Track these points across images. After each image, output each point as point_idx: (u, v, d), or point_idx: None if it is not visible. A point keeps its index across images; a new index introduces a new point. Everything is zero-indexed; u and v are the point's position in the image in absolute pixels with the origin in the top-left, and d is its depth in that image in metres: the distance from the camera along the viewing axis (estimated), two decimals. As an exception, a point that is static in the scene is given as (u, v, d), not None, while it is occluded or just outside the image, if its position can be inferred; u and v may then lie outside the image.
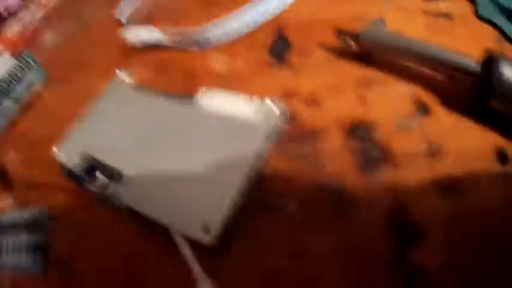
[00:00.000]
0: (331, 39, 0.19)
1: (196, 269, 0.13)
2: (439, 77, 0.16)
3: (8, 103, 0.24)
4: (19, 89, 0.24)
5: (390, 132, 0.16)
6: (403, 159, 0.15)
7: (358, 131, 0.16)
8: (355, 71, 0.18)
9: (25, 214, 0.19)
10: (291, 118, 0.17)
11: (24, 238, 0.19)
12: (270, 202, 0.14)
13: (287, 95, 0.18)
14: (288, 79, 0.18)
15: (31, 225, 0.19)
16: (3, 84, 0.23)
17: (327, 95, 0.17)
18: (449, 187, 0.14)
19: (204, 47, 0.21)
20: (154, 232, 0.15)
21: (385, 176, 0.14)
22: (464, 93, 0.15)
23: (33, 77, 0.24)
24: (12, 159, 0.22)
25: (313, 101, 0.17)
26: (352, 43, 0.19)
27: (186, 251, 0.14)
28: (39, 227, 0.19)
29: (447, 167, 0.14)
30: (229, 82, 0.19)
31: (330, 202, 0.14)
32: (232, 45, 0.21)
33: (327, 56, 0.19)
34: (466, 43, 0.17)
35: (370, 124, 0.16)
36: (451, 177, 0.14)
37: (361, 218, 0.14)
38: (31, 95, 0.24)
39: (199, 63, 0.20)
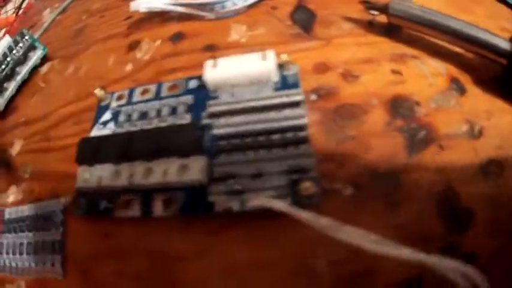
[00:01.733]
0: (356, 11, 0.16)
1: (323, 221, 0.10)
2: (472, 55, 0.15)
3: (7, 85, 0.18)
4: (19, 70, 0.19)
5: (431, 112, 0.14)
6: (446, 140, 0.13)
7: (401, 109, 0.14)
8: (385, 44, 0.15)
9: (36, 208, 0.15)
10: (331, 94, 0.14)
11: (37, 236, 0.15)
12: (324, 187, 0.12)
13: (321, 69, 0.15)
14: (318, 51, 0.15)
15: (44, 222, 0.15)
16: (2, 65, 0.18)
17: (362, 70, 0.15)
18: (492, 169, 0.12)
19: (220, 14, 0.17)
20: (192, 226, 0.12)
21: (432, 158, 0.13)
22: (498, 72, 0.14)
23: (34, 56, 0.19)
24: (17, 148, 0.17)
25: (350, 75, 0.14)
26: (377, 15, 0.17)
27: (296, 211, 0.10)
28: (54, 223, 0.15)
29: (489, 148, 0.13)
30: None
31: (383, 186, 0.12)
32: (251, 14, 0.17)
33: (354, 28, 0.16)
34: (483, 23, 0.17)
35: (410, 102, 0.14)
36: (494, 159, 0.13)
37: (413, 203, 0.12)
38: (32, 75, 0.19)
39: (217, 34, 0.16)
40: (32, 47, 0.19)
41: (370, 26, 0.16)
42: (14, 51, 0.18)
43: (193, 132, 0.13)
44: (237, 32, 0.16)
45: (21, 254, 0.15)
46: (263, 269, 0.12)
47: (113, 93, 0.16)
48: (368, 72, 0.15)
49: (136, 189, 0.13)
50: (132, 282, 0.13)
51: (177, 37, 0.17)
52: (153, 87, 0.15)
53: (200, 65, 0.16)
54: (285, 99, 0.13)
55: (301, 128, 0.13)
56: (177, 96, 0.15)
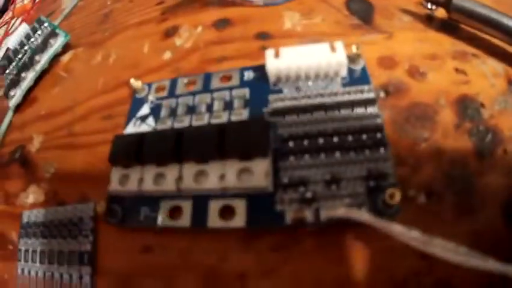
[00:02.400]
0: (411, 3, 0.15)
1: (414, 234, 0.09)
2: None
3: (25, 74, 0.16)
4: (38, 58, 0.16)
5: (495, 114, 0.12)
6: (510, 143, 0.12)
7: (469, 110, 0.12)
8: (446, 41, 0.14)
9: (61, 213, 0.12)
10: (401, 91, 0.12)
11: (63, 244, 0.12)
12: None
13: (387, 64, 0.13)
14: (381, 45, 0.13)
15: (71, 228, 0.12)
16: (19, 54, 0.15)
17: (428, 66, 0.13)
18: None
19: (269, 0, 0.15)
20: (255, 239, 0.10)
21: (499, 161, 0.11)
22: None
23: (54, 43, 0.16)
24: (37, 144, 0.14)
25: (417, 72, 0.13)
26: (435, 9, 0.15)
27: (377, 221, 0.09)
28: (82, 230, 0.12)
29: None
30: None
31: (456, 192, 0.11)
32: (303, 1, 0.15)
33: (414, 22, 0.14)
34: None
35: (476, 103, 0.12)
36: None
37: (485, 209, 0.11)
38: (53, 65, 0.16)
39: (269, 21, 0.14)
40: (52, 34, 0.16)
41: (429, 21, 0.15)
42: (32, 39, 0.16)
43: (257, 130, 0.11)
44: (291, 20, 0.14)
45: (42, 262, 0.12)
46: (341, 285, 0.10)
47: (150, 84, 0.13)
48: (433, 69, 0.13)
49: (186, 195, 0.11)
50: None
51: (223, 23, 0.14)
52: (199, 78, 0.13)
53: (252, 54, 0.14)
54: (357, 96, 0.11)
55: (377, 128, 0.11)
56: (231, 88, 0.12)
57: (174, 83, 0.13)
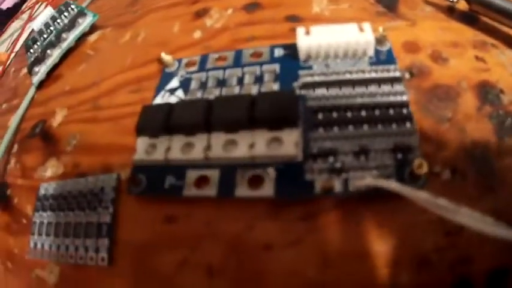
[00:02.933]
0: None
1: (441, 202, 0.08)
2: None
3: (51, 52, 0.16)
4: (66, 36, 0.16)
5: None
6: None
7: (489, 95, 0.12)
8: (467, 31, 0.14)
9: (81, 184, 0.12)
10: (424, 73, 0.13)
11: (80, 216, 0.12)
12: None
13: (411, 48, 0.13)
14: (405, 31, 0.14)
15: (91, 200, 0.12)
16: (44, 34, 0.15)
17: (450, 53, 0.13)
18: None
19: None
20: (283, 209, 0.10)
21: None
22: None
23: (83, 22, 0.16)
24: (59, 119, 0.14)
25: (439, 57, 0.13)
26: (456, 1, 0.16)
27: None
28: (102, 201, 0.11)
29: None
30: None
31: (478, 170, 0.11)
32: None
33: (436, 12, 0.15)
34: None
35: (496, 89, 0.12)
36: None
37: (505, 187, 0.11)
38: (79, 44, 0.16)
39: (298, 5, 0.15)
40: (80, 14, 0.17)
41: (450, 12, 0.15)
42: (59, 21, 0.16)
43: (288, 101, 0.11)
44: (318, 5, 0.14)
45: (57, 235, 0.12)
46: (362, 259, 0.10)
47: (180, 59, 0.14)
48: (455, 56, 0.14)
49: (214, 164, 0.11)
50: (200, 275, 0.10)
51: (253, 7, 0.15)
52: (230, 54, 0.13)
53: (281, 35, 0.14)
54: (383, 74, 0.12)
55: (402, 104, 0.11)
56: (261, 64, 0.13)
57: (204, 58, 0.13)
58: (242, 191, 0.10)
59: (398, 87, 0.11)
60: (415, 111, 0.12)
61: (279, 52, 0.12)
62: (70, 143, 0.13)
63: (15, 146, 0.14)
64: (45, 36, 0.16)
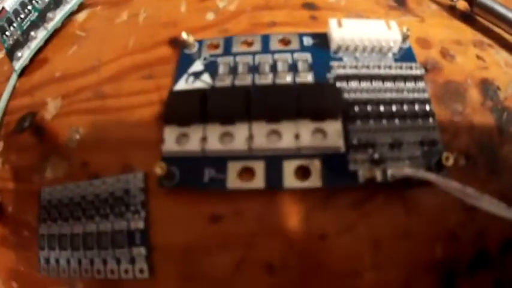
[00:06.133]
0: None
1: (468, 190, 0.11)
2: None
3: (35, 33, 0.15)
4: (52, 15, 0.15)
5: (508, 96, 0.16)
6: None
7: (489, 91, 0.16)
8: (468, 30, 0.17)
9: (98, 187, 0.12)
10: (436, 69, 0.15)
11: (104, 225, 0.12)
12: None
13: (424, 44, 0.16)
14: (417, 27, 0.16)
15: (114, 205, 0.12)
16: (21, 14, 0.14)
17: (456, 51, 0.16)
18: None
19: None
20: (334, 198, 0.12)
21: None
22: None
23: (69, 1, 0.16)
24: (53, 110, 0.14)
25: (448, 54, 0.16)
26: (456, 1, 0.19)
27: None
28: (130, 205, 0.12)
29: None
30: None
31: (486, 156, 0.14)
32: None
33: (440, 10, 0.18)
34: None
35: (494, 86, 0.16)
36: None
37: (506, 173, 0.14)
38: (65, 24, 0.15)
39: None
40: None
41: (452, 11, 0.18)
42: None
43: (331, 93, 0.13)
44: (333, -6, 0.17)
45: (75, 248, 0.12)
46: (406, 238, 0.12)
47: (201, 40, 0.14)
48: (460, 53, 0.17)
49: (258, 155, 0.12)
50: (260, 272, 0.11)
51: None
52: (256, 38, 0.14)
53: (302, 23, 0.15)
54: (407, 71, 0.14)
55: (426, 101, 0.14)
56: (292, 52, 0.14)
57: (228, 41, 0.14)
58: (291, 182, 0.12)
59: (420, 84, 0.14)
60: (434, 104, 0.15)
61: (307, 41, 0.14)
62: (72, 137, 0.13)
63: (1, 144, 0.14)
64: (22, 16, 0.15)
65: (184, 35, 0.13)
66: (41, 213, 0.12)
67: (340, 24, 0.13)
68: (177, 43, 0.14)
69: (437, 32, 0.16)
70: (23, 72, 0.15)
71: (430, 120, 0.13)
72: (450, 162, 0.12)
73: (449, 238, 0.12)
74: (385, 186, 0.12)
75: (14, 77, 0.15)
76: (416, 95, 0.13)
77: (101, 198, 0.12)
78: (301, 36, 0.14)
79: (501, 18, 0.17)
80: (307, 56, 0.13)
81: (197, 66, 0.13)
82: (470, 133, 0.14)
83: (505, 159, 0.14)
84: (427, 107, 0.13)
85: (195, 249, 0.11)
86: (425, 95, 0.13)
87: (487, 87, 0.16)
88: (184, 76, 0.13)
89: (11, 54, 0.15)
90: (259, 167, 0.12)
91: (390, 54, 0.14)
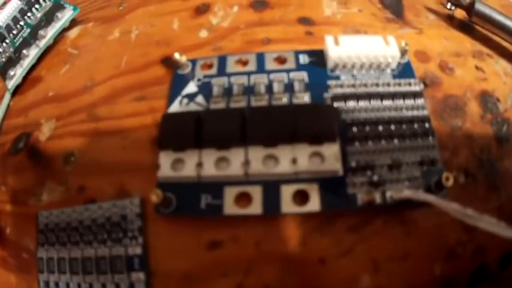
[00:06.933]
0: (432, 2, 0.19)
1: (468, 212, 0.11)
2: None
3: (28, 51, 0.15)
4: (43, 33, 0.15)
5: (508, 107, 0.16)
6: None
7: (489, 104, 0.16)
8: (466, 40, 0.17)
9: (95, 212, 0.12)
10: (436, 84, 0.16)
11: (102, 250, 0.12)
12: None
13: (422, 58, 0.16)
14: (415, 39, 0.16)
15: (111, 230, 0.12)
16: (14, 31, 0.14)
17: (455, 63, 0.16)
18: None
19: None
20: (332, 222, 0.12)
21: None
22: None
23: (62, 17, 0.16)
24: (47, 132, 0.14)
25: (447, 67, 0.16)
26: (454, 10, 0.19)
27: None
28: (127, 231, 0.12)
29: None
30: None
31: (484, 173, 0.14)
32: None
33: (437, 20, 0.18)
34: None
35: (494, 98, 0.16)
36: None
37: (505, 188, 0.15)
38: (57, 41, 0.15)
39: (309, 7, 0.17)
40: (57, 7, 0.16)
41: (450, 20, 0.19)
42: (29, 14, 0.16)
43: (328, 115, 0.13)
44: (329, 8, 0.16)
45: (74, 272, 0.12)
46: (405, 259, 0.12)
47: (194, 60, 0.15)
48: (459, 65, 0.17)
49: (254, 180, 0.13)
50: None
51: (260, 4, 0.16)
52: (251, 57, 0.14)
53: (297, 39, 0.16)
54: (406, 88, 0.14)
55: (425, 118, 0.14)
56: (288, 71, 0.14)
57: (222, 60, 0.14)
58: (288, 207, 0.12)
59: (419, 101, 0.14)
60: (433, 120, 0.15)
61: (304, 59, 0.14)
62: (68, 160, 0.13)
63: (-4, 166, 0.14)
64: (14, 32, 0.15)
65: (177, 56, 0.13)
66: (39, 237, 0.13)
67: (336, 42, 0.13)
68: (169, 63, 0.14)
69: (435, 43, 0.17)
70: (16, 91, 0.15)
71: (430, 138, 0.13)
72: (450, 182, 0.12)
73: (448, 257, 0.13)
74: (384, 208, 0.12)
75: (7, 96, 0.15)
76: (415, 113, 0.14)
77: (98, 223, 0.12)
78: (297, 54, 0.14)
79: (500, 26, 0.17)
80: (304, 75, 0.14)
81: (191, 87, 0.13)
82: (469, 148, 0.15)
83: (504, 173, 0.15)
84: (427, 125, 0.13)
85: (194, 275, 0.12)
86: (425, 112, 0.14)
87: (486, 99, 0.16)
88: (178, 98, 0.13)
89: (3, 72, 0.15)
90: (256, 192, 0.12)
91: (389, 70, 0.14)
